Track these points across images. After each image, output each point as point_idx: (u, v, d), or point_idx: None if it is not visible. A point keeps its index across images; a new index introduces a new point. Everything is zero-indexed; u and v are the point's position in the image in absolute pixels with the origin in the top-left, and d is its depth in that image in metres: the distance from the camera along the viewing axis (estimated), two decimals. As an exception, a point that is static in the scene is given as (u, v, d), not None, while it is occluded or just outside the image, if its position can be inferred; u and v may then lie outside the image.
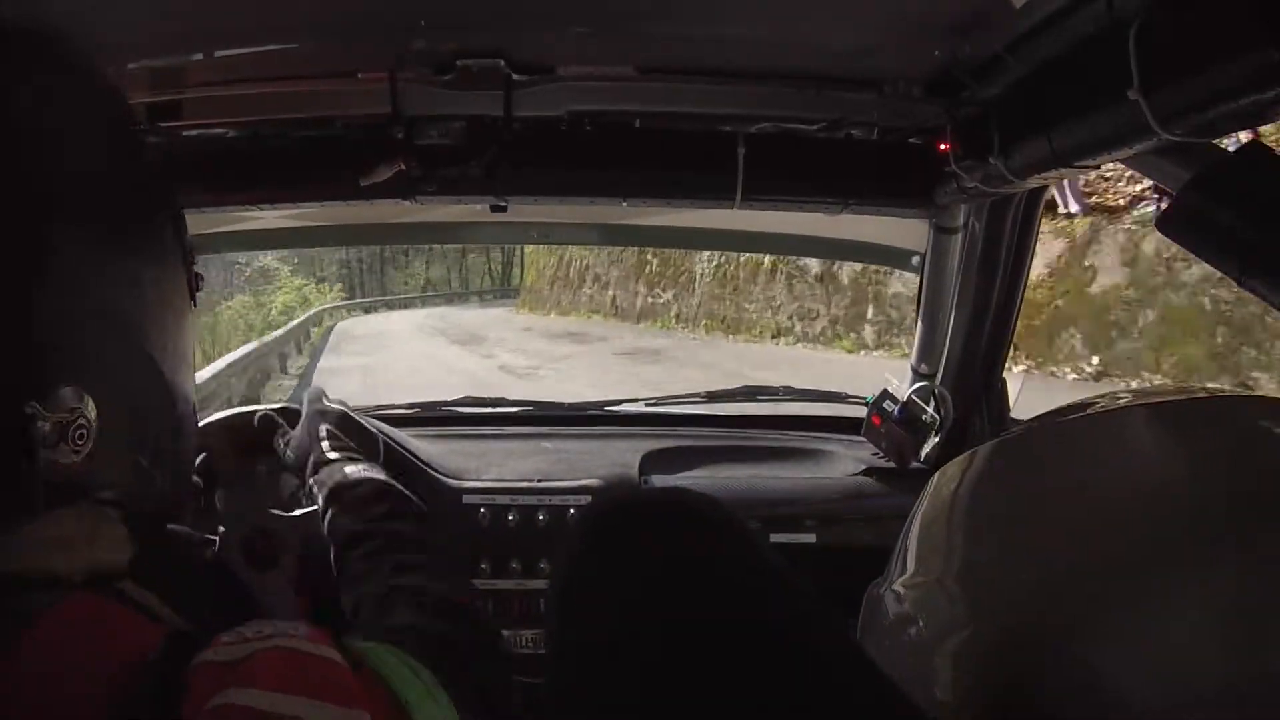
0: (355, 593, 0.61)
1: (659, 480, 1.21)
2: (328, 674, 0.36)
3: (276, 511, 0.83)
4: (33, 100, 0.41)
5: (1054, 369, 6.27)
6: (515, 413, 1.49)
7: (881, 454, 1.26)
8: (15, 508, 0.38)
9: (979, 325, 1.15)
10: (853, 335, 8.78)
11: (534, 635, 1.12)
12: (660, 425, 1.43)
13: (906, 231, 1.18)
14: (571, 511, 1.13)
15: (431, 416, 1.43)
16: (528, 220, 1.28)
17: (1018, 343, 5.76)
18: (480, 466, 1.21)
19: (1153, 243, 5.74)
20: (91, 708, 0.33)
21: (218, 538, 0.93)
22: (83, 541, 0.40)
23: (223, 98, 0.90)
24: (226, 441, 0.97)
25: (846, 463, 1.27)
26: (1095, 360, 6.07)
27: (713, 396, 1.50)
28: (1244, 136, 1.17)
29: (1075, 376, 6.09)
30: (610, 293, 15.41)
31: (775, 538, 1.12)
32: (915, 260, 1.22)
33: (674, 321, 12.72)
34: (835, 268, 9.01)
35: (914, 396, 1.23)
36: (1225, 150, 0.65)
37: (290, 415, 0.92)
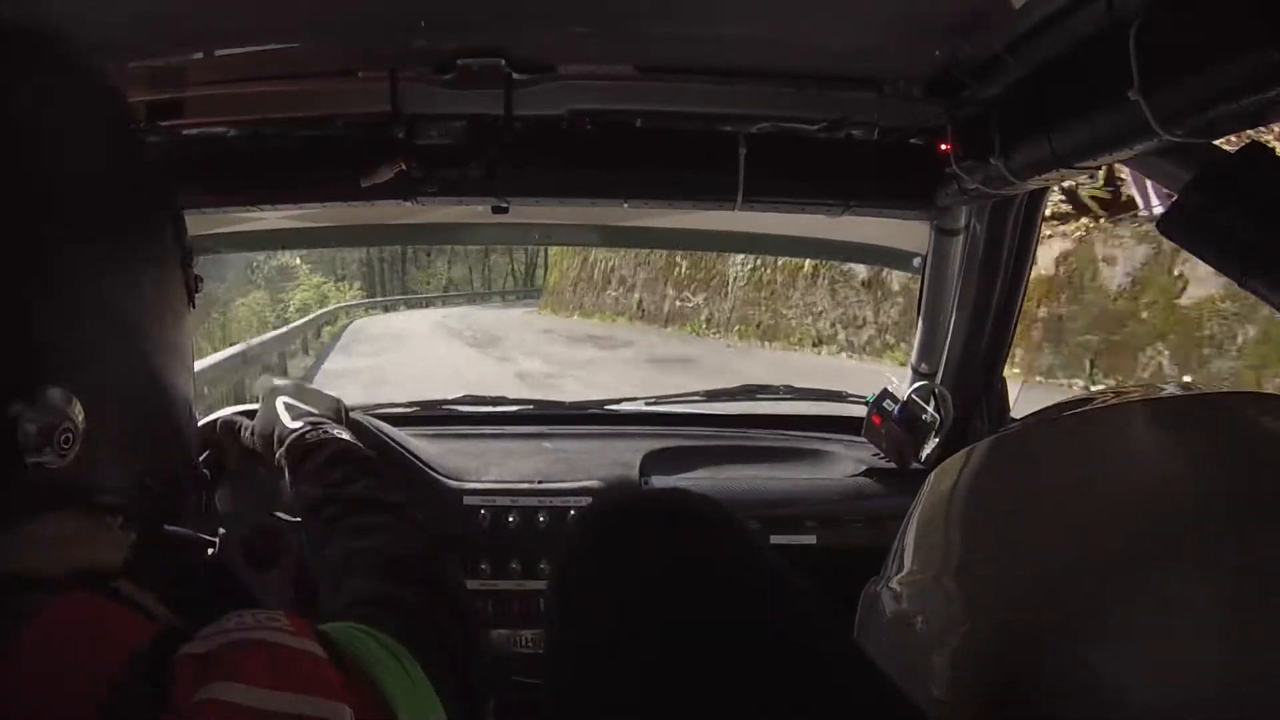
0: (318, 556, 0.61)
1: (659, 480, 1.21)
2: (309, 668, 0.37)
3: (277, 512, 0.83)
4: (28, 99, 0.41)
5: (1137, 389, 5.80)
6: (515, 412, 1.49)
7: (882, 454, 1.26)
8: (1, 510, 0.38)
9: (980, 326, 1.15)
10: (904, 345, 7.91)
11: (534, 635, 1.12)
12: (660, 425, 1.43)
13: (907, 233, 1.18)
14: (572, 513, 1.13)
15: (431, 415, 1.43)
16: (528, 221, 1.28)
17: (1095, 359, 5.37)
18: (480, 467, 1.21)
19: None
20: (85, 705, 0.33)
21: (218, 538, 0.93)
22: (73, 543, 0.40)
23: (223, 97, 0.90)
24: (226, 441, 0.97)
25: (847, 463, 1.27)
26: (1186, 380, 5.13)
27: (713, 396, 1.50)
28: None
29: (1162, 398, 5.54)
30: (636, 295, 14.61)
31: (775, 539, 1.12)
32: (916, 262, 1.22)
33: (704, 326, 11.95)
34: (884, 273, 8.28)
35: (914, 396, 1.23)
36: (1225, 151, 0.65)
37: (253, 412, 0.92)
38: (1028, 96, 0.77)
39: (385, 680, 0.40)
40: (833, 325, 9.20)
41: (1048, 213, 5.83)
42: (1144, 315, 5.45)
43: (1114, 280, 5.61)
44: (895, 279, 8.37)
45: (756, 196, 1.00)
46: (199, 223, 1.17)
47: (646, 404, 1.51)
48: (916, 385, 1.24)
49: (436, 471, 1.17)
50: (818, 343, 9.37)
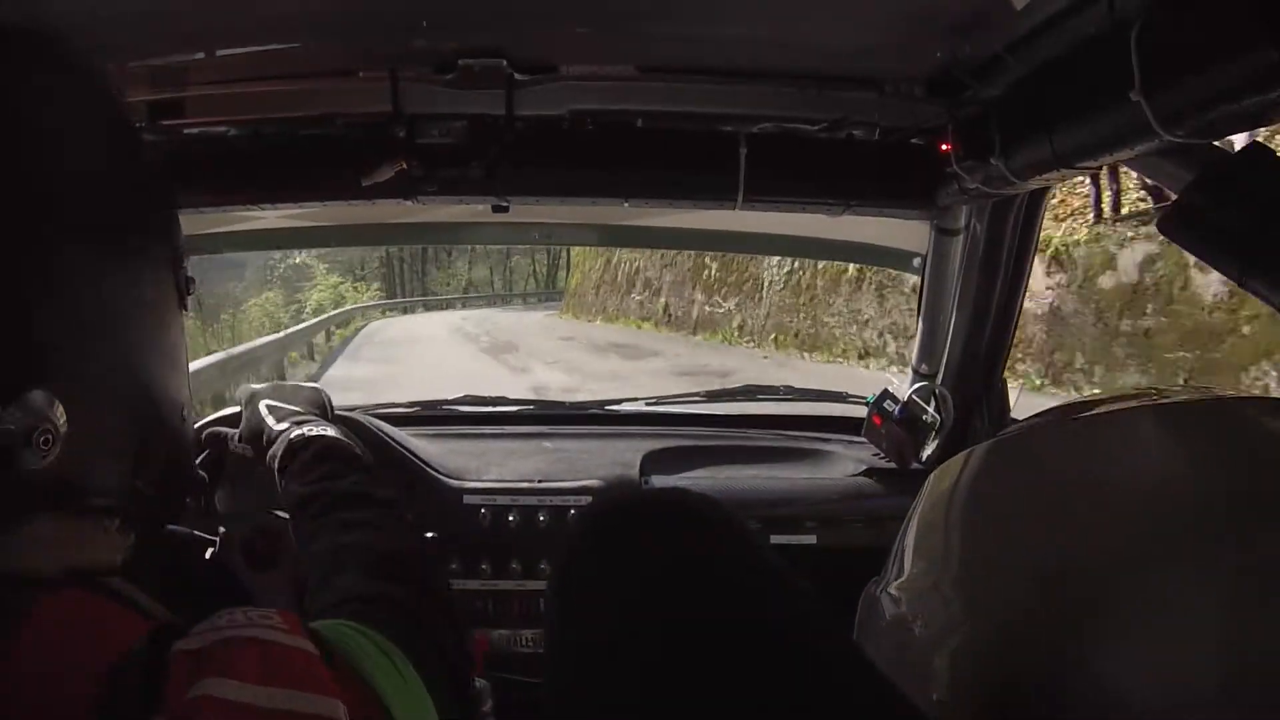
0: (306, 552, 0.60)
1: (659, 480, 1.21)
2: (302, 665, 0.37)
3: (276, 511, 0.83)
4: (23, 98, 0.41)
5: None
6: (515, 412, 1.49)
7: (882, 454, 1.26)
8: None
9: (980, 326, 1.15)
10: None
11: (534, 635, 1.12)
12: (660, 425, 1.43)
13: (908, 233, 1.18)
14: (572, 512, 1.13)
15: (431, 415, 1.43)
16: (529, 221, 1.28)
17: (1189, 379, 4.66)
18: (480, 466, 1.21)
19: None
20: (80, 702, 0.33)
21: (218, 538, 0.93)
22: (68, 545, 0.40)
23: (224, 96, 0.90)
24: (225, 442, 0.97)
25: (847, 463, 1.27)
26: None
27: (713, 396, 1.51)
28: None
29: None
30: (662, 299, 13.85)
31: (775, 539, 1.12)
32: (916, 262, 1.22)
33: (737, 334, 11.05)
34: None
35: (914, 396, 1.23)
36: (1226, 151, 0.65)
37: (233, 419, 0.91)
38: (1028, 96, 0.77)
39: (377, 678, 0.41)
40: (880, 335, 8.41)
41: (1124, 210, 5.65)
42: (1246, 330, 4.69)
43: (1209, 289, 4.83)
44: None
45: (757, 196, 1.00)
46: (199, 222, 1.17)
47: (646, 404, 1.51)
48: (917, 385, 1.24)
49: (437, 471, 1.17)
50: (864, 354, 8.55)
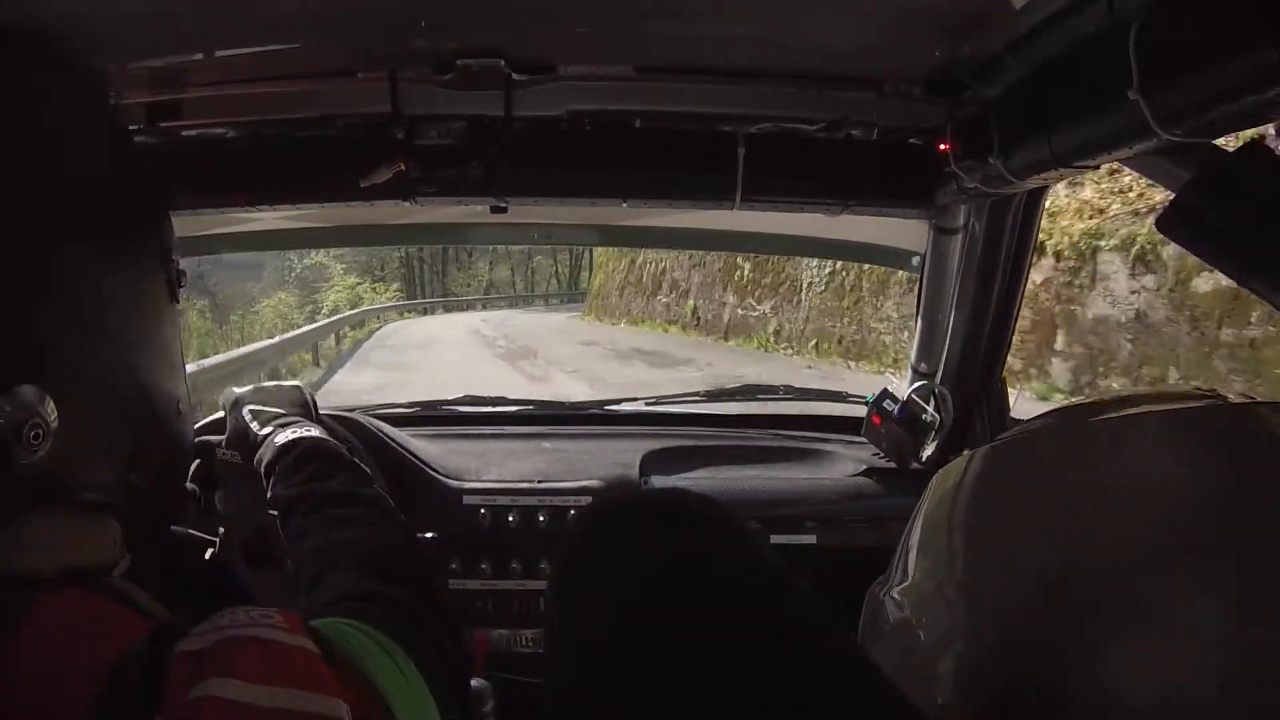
0: (298, 551, 0.60)
1: (659, 480, 1.21)
2: (304, 664, 0.37)
3: (271, 512, 0.83)
4: (20, 97, 0.41)
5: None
6: (515, 412, 1.49)
7: (882, 454, 1.26)
8: None
9: (979, 326, 1.15)
10: (1034, 371, 5.61)
11: (534, 635, 1.12)
12: (660, 425, 1.43)
13: (907, 232, 1.19)
14: (572, 512, 1.13)
15: (431, 415, 1.43)
16: (528, 221, 1.28)
17: (1254, 394, 4.32)
18: (480, 467, 1.21)
19: None
20: (81, 702, 0.33)
21: (218, 538, 0.93)
22: (64, 542, 0.40)
23: (223, 97, 0.90)
24: (213, 451, 0.96)
25: (846, 463, 1.27)
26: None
27: (713, 396, 1.51)
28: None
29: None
30: (691, 302, 12.80)
31: (775, 539, 1.12)
32: (915, 261, 1.22)
33: (773, 340, 9.99)
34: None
35: (914, 396, 1.23)
36: (1225, 150, 0.65)
37: (219, 424, 0.90)
38: (1027, 96, 0.77)
39: (379, 676, 0.41)
40: (937, 344, 7.44)
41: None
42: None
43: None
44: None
45: (755, 196, 1.00)
46: (199, 223, 1.18)
47: (646, 404, 1.52)
48: (916, 385, 1.24)
49: (436, 471, 1.17)
50: (918, 364, 7.57)
